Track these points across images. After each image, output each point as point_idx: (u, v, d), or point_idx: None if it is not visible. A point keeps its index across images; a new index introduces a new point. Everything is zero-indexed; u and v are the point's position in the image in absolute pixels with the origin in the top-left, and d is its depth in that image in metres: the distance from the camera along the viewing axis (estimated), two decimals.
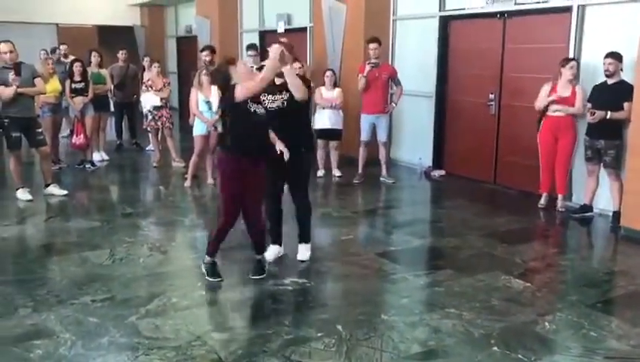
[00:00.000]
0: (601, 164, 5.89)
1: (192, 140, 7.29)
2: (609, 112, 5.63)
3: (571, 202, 6.44)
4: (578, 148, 6.19)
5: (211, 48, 8.10)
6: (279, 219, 4.82)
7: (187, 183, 7.36)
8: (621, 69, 5.69)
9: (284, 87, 4.42)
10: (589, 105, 5.82)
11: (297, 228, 4.80)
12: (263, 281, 4.29)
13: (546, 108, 6.17)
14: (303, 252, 4.77)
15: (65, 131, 9.45)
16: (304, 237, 4.80)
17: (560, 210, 6.26)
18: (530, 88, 6.92)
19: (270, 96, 4.44)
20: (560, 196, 6.32)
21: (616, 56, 5.67)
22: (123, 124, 10.22)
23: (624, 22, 5.94)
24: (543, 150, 6.27)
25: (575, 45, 6.35)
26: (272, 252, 4.75)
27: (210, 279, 4.26)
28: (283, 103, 4.46)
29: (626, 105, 5.60)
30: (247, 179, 4.12)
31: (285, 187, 4.79)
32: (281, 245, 4.83)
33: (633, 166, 5.41)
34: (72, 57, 9.26)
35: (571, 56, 6.30)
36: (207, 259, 4.33)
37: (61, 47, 10.79)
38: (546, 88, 6.19)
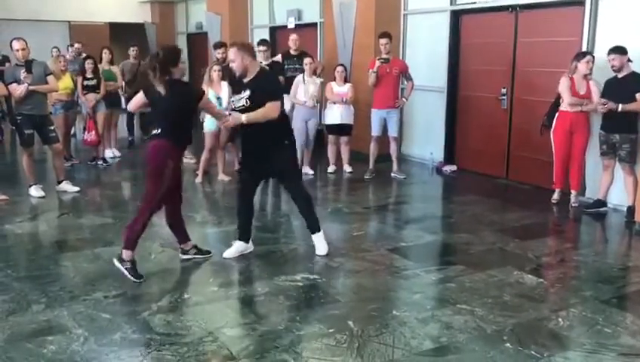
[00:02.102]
0: (617, 159, 5.84)
1: (203, 137, 7.31)
2: (620, 105, 5.58)
3: (584, 197, 6.38)
4: (592, 143, 6.13)
5: (226, 45, 8.09)
6: (249, 216, 4.77)
7: (198, 179, 7.39)
8: (629, 60, 5.63)
9: (248, 86, 4.41)
10: (603, 100, 5.76)
11: (304, 221, 4.79)
12: (275, 277, 4.29)
13: (559, 103, 6.11)
14: (319, 245, 4.74)
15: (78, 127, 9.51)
16: (312, 227, 4.76)
17: (573, 205, 6.20)
18: (543, 82, 6.87)
19: (236, 95, 4.49)
20: (574, 192, 6.25)
21: (618, 51, 5.62)
22: (134, 120, 10.26)
23: (638, 14, 5.86)
24: (558, 146, 6.17)
25: (588, 39, 6.28)
26: (235, 248, 4.72)
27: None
28: (246, 102, 4.41)
29: (638, 95, 5.55)
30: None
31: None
32: (248, 241, 4.77)
33: None
34: (84, 55, 9.30)
35: (584, 49, 6.23)
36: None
37: (75, 45, 10.84)
38: (566, 82, 5.97)
